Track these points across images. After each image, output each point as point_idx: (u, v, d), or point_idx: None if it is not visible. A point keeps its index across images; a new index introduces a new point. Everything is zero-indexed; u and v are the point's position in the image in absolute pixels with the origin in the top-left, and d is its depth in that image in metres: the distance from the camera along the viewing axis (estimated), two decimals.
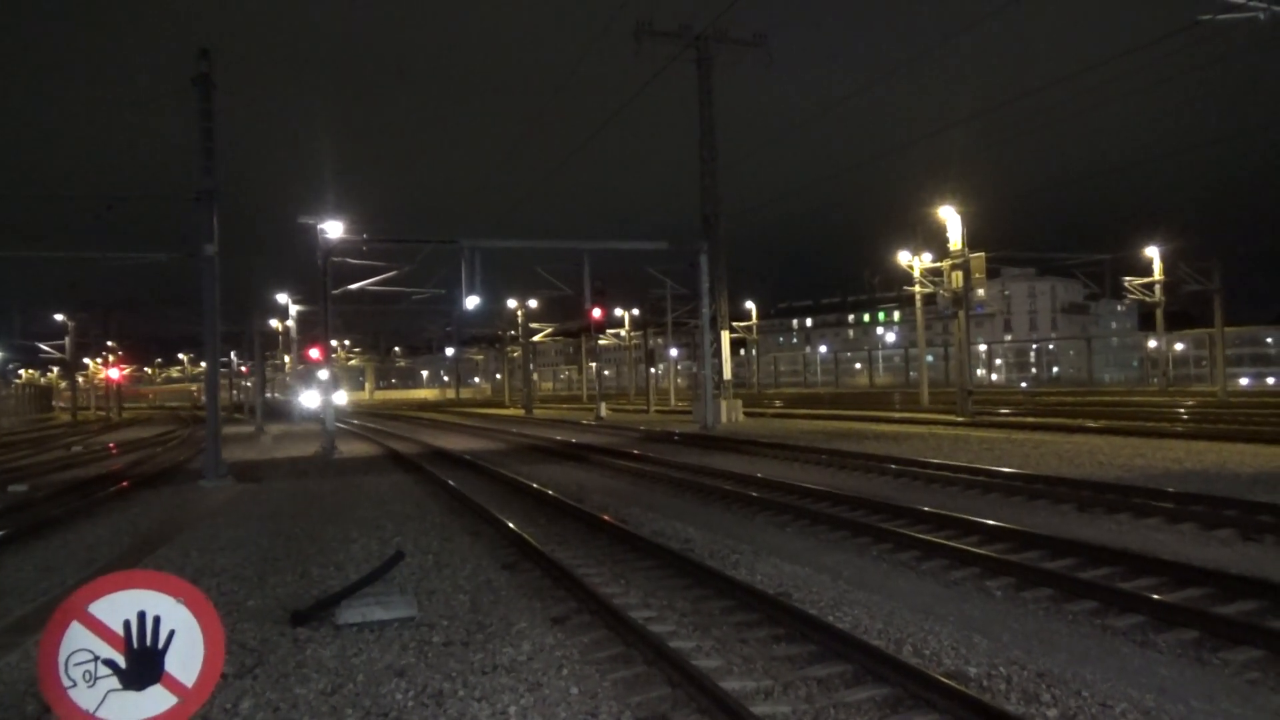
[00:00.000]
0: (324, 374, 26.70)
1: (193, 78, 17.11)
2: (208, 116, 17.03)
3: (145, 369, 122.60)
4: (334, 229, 24.49)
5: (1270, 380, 45.65)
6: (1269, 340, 48.98)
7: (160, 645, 3.06)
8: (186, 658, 3.10)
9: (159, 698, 3.06)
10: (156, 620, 3.06)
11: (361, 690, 5.46)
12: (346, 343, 60.28)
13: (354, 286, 28.86)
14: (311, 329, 40.19)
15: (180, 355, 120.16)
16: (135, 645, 3.05)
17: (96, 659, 3.00)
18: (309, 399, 30.32)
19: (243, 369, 69.87)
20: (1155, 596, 6.75)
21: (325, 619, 6.88)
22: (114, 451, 29.12)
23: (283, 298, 42.89)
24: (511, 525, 10.56)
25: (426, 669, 5.80)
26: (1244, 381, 45.57)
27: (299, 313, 41.88)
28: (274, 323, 49.97)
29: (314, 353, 30.65)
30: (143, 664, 3.05)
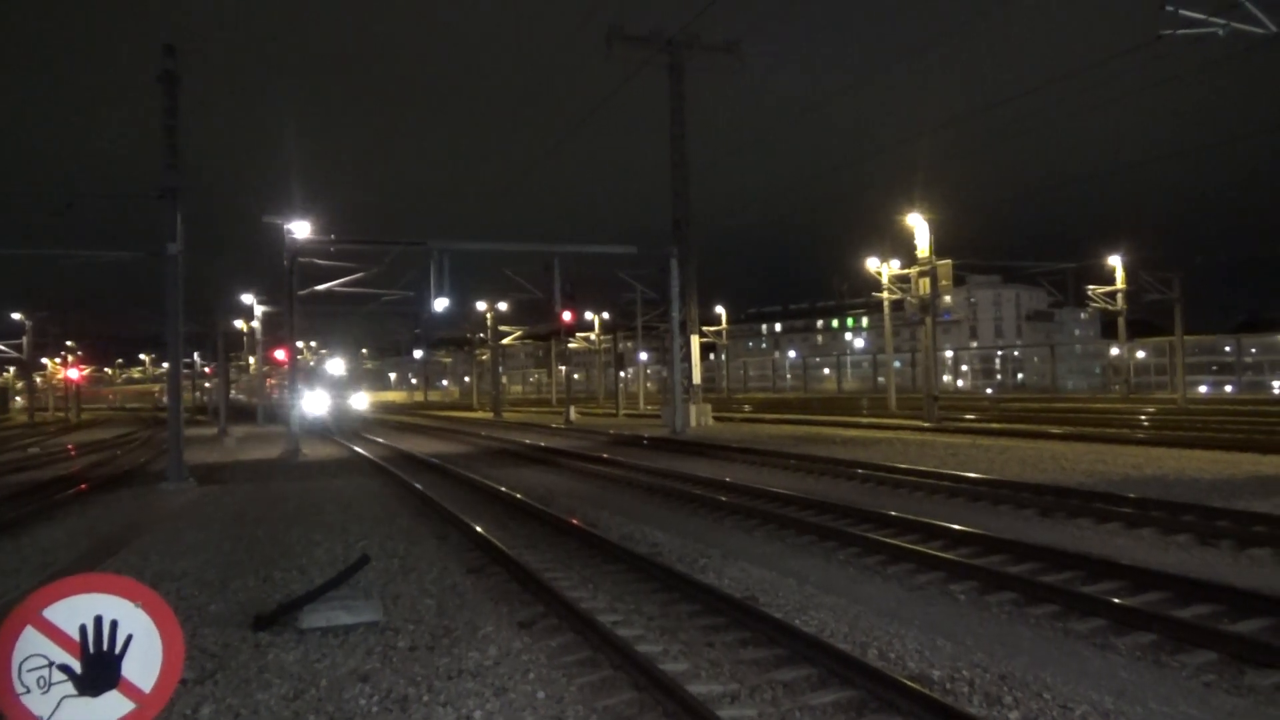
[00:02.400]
0: (338, 367, 24.12)
1: (158, 74, 16.89)
2: (173, 114, 16.80)
3: (105, 369, 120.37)
4: (301, 229, 24.24)
5: (1228, 388, 46.54)
6: (1227, 349, 49.90)
7: (117, 650, 3.00)
8: (144, 663, 3.03)
9: (116, 703, 3.00)
10: (114, 624, 3.00)
11: (324, 695, 5.40)
12: (313, 344, 59.61)
13: (321, 287, 28.55)
14: (277, 330, 39.74)
15: (142, 356, 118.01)
16: (91, 650, 2.98)
17: (51, 664, 2.93)
18: (314, 401, 26.85)
19: (206, 369, 68.90)
20: (1115, 600, 6.85)
21: (288, 623, 6.79)
22: (73, 453, 28.59)
23: (248, 298, 42.35)
24: (479, 529, 10.50)
25: (391, 674, 5.75)
26: (1203, 389, 46.42)
27: (264, 313, 41.37)
28: (239, 323, 49.36)
29: (279, 354, 30.26)
30: (99, 669, 2.99)
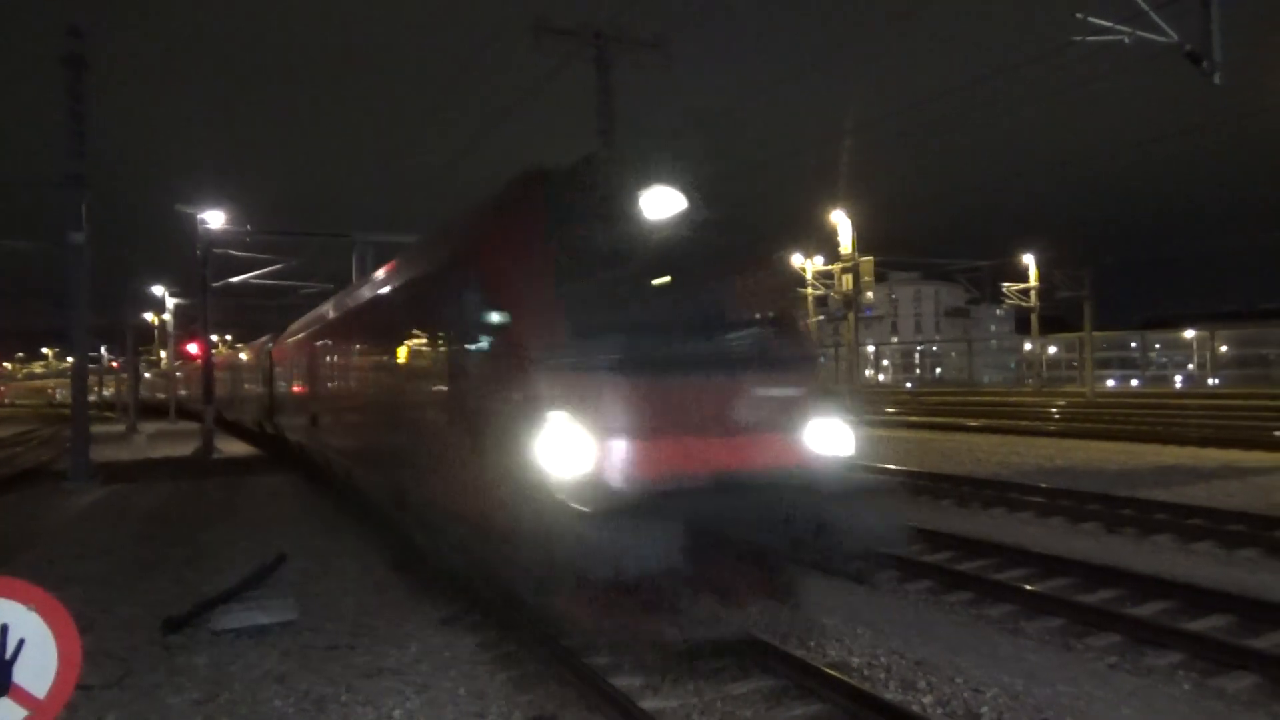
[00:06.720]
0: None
1: (62, 57, 16.14)
2: (78, 98, 16.09)
3: (4, 364, 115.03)
4: (215, 219, 23.47)
5: (1134, 382, 48.55)
6: (1133, 344, 52.09)
7: (8, 656, 2.86)
8: (38, 668, 2.90)
9: (6, 711, 2.86)
10: (4, 629, 2.86)
11: (238, 698, 5.25)
12: (229, 337, 57.83)
13: (236, 279, 27.70)
14: (191, 323, 38.44)
15: (45, 350, 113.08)
16: None
17: None
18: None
19: (113, 364, 66.36)
20: (1026, 586, 7.09)
21: (201, 626, 6.58)
22: None
23: (159, 290, 40.89)
24: (402, 525, 10.30)
25: (309, 674, 5.61)
26: (1110, 383, 48.37)
27: (177, 306, 40.00)
28: (150, 316, 47.65)
29: (192, 347, 29.30)
30: None
